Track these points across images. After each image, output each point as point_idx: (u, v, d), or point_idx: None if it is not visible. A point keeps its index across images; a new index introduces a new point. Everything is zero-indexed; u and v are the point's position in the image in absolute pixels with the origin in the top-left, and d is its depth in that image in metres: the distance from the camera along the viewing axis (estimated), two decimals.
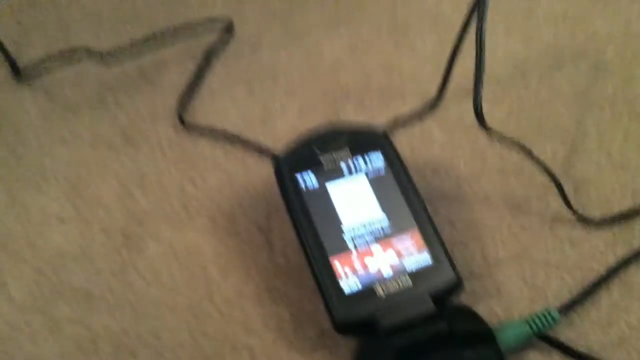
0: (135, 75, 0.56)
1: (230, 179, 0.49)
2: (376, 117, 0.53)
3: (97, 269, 0.44)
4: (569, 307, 0.41)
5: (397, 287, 0.38)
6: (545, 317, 0.40)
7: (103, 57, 0.56)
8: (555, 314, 0.40)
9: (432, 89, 0.54)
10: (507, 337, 0.38)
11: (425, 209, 0.41)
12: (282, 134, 0.51)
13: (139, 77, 0.56)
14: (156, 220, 0.46)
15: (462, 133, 0.52)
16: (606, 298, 0.42)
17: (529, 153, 0.44)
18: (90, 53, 0.56)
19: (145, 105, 0.54)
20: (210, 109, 0.54)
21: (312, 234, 0.40)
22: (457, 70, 0.51)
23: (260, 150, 0.50)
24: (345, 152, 0.43)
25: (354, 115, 0.53)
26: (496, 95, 0.54)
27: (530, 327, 0.39)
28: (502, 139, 0.44)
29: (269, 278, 0.43)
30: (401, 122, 0.52)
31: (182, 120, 0.52)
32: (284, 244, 0.45)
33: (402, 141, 0.51)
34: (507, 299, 0.42)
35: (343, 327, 0.38)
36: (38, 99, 0.54)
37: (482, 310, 0.42)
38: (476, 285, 0.43)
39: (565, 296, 0.42)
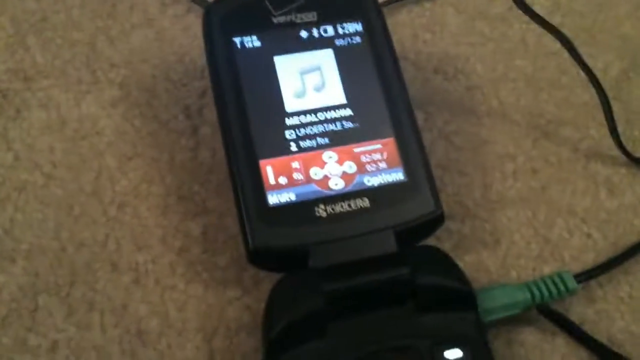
0: None
1: (162, 40, 0.36)
2: None
3: None
4: (591, 275, 0.29)
5: (348, 208, 0.26)
6: (554, 283, 0.28)
7: None
8: (571, 281, 0.28)
9: None
10: (493, 303, 0.26)
11: (411, 113, 0.29)
12: None
13: None
14: (49, 81, 0.34)
15: (487, 23, 0.38)
16: None
17: (572, 50, 0.31)
18: None
19: None
20: None
21: (240, 124, 0.27)
22: None
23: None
24: (311, 16, 0.30)
25: None
26: None
27: (532, 293, 0.27)
28: (540, 22, 0.31)
29: (185, 178, 0.31)
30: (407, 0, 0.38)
31: None
32: (214, 134, 0.32)
33: (403, 25, 0.38)
34: (507, 252, 0.30)
35: (259, 257, 0.26)
36: None
37: (469, 262, 0.30)
38: (467, 227, 0.31)
39: (590, 260, 0.30)
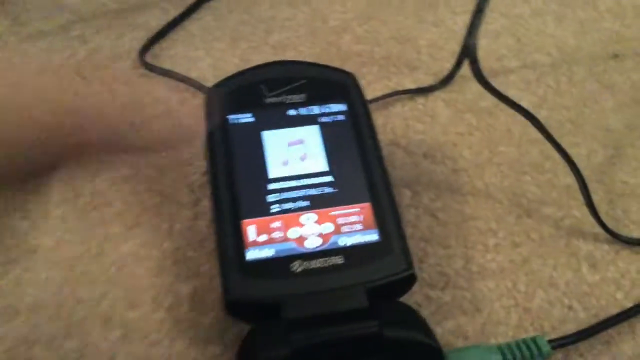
0: (113, 13, 0.49)
1: (179, 128, 0.40)
2: (372, 87, 0.43)
3: None
4: (566, 342, 0.29)
5: (322, 264, 0.28)
6: (528, 347, 0.28)
7: None
8: (545, 346, 0.28)
9: (449, 67, 0.43)
10: None
11: (388, 182, 0.31)
12: None
13: (116, 15, 0.49)
14: (72, 161, 0.38)
15: (474, 115, 0.41)
16: (629, 342, 0.30)
17: (539, 126, 0.33)
18: None
19: (110, 43, 0.46)
20: (180, 54, 0.45)
21: (226, 189, 0.30)
22: (487, 48, 0.41)
23: None
24: (300, 97, 0.33)
25: None
26: (529, 81, 0.43)
27: (504, 356, 0.27)
28: (502, 98, 0.33)
29: (183, 245, 0.34)
30: (401, 95, 0.42)
31: (143, 60, 0.44)
32: None
33: (396, 116, 0.41)
34: (486, 320, 0.31)
35: (235, 307, 0.27)
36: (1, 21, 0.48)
37: (448, 328, 0.30)
38: (448, 295, 0.32)
39: (570, 331, 0.30)
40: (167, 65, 0.44)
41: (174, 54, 0.46)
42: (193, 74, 0.43)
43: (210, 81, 0.43)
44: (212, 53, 0.46)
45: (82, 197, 0.36)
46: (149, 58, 0.45)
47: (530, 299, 0.31)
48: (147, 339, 0.30)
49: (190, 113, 0.41)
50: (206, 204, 0.35)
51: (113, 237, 0.34)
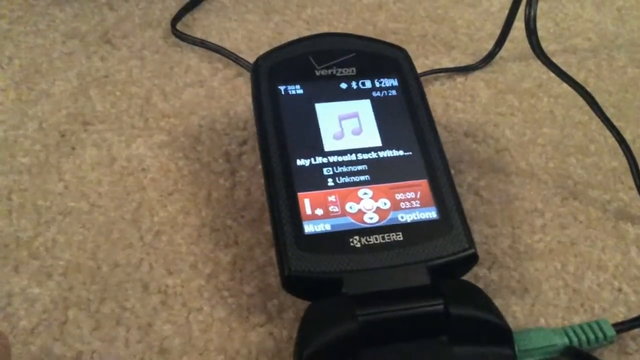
0: None
1: (211, 98, 0.39)
2: None
3: (14, 165, 0.34)
4: (631, 326, 0.28)
5: (382, 241, 0.27)
6: (592, 330, 0.27)
7: None
8: (609, 329, 0.27)
9: (487, 48, 0.43)
10: (530, 344, 0.26)
11: (444, 159, 0.30)
12: None
13: None
14: (104, 125, 0.37)
15: (516, 96, 0.40)
16: None
17: (593, 103, 0.32)
18: None
19: (140, 11, 0.45)
20: (213, 25, 0.44)
21: (281, 161, 0.29)
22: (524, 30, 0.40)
23: None
24: (351, 71, 0.32)
25: None
26: (570, 64, 0.42)
27: (569, 338, 0.26)
28: (560, 73, 0.33)
29: (220, 212, 0.33)
30: (440, 74, 0.41)
31: (174, 28, 0.43)
32: (250, 176, 0.34)
33: (435, 95, 0.40)
34: (535, 300, 0.30)
35: (294, 282, 0.26)
36: None
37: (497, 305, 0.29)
38: (495, 274, 0.31)
39: (621, 313, 0.29)
40: (199, 34, 0.43)
41: (207, 24, 0.45)
42: (226, 46, 0.42)
43: (244, 53, 0.42)
44: (245, 25, 0.45)
45: (118, 162, 0.35)
46: (180, 28, 0.44)
47: (579, 281, 0.31)
48: (186, 306, 0.29)
49: (224, 83, 0.40)
50: (243, 174, 0.34)
51: (149, 202, 0.33)
